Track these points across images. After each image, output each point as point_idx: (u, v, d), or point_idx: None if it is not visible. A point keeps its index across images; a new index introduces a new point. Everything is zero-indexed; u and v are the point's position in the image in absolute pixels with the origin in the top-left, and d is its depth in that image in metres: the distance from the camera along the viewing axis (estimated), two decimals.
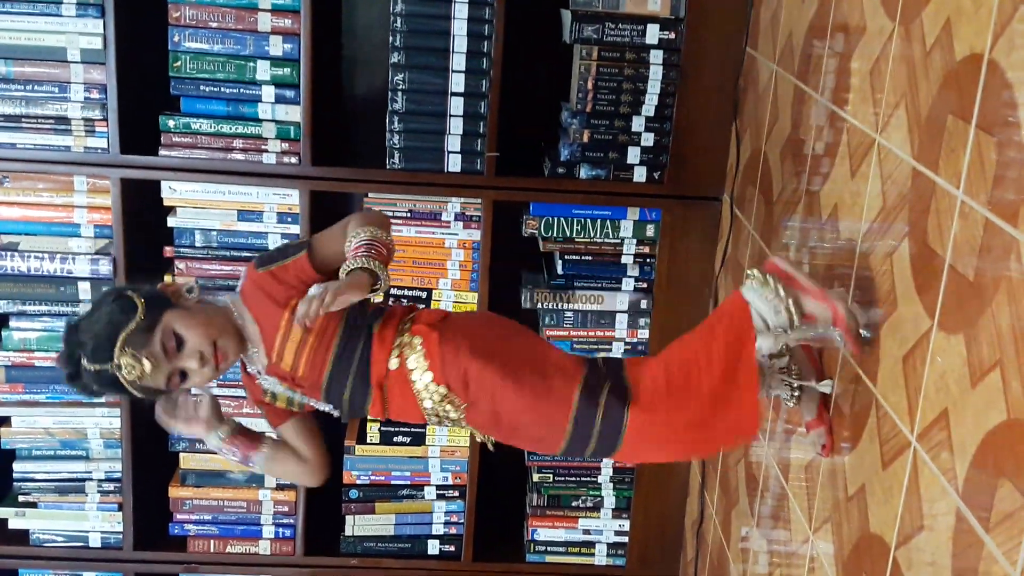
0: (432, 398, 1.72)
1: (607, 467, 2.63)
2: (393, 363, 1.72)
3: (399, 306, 1.81)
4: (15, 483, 2.62)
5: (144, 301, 1.67)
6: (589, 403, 1.67)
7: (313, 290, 1.65)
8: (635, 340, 2.52)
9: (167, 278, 2.49)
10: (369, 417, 1.82)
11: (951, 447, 1.28)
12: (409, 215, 2.48)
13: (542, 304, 2.51)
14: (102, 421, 2.57)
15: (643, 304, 2.51)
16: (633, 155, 2.41)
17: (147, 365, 1.64)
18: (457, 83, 2.36)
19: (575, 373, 1.70)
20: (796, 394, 1.77)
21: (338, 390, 1.74)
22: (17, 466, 2.61)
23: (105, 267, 2.46)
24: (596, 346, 2.53)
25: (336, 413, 1.80)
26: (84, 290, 2.49)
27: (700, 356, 1.66)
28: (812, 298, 1.62)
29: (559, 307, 2.51)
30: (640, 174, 2.42)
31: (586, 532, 2.69)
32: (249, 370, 1.80)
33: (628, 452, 1.70)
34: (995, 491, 1.17)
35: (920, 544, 1.35)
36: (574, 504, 2.67)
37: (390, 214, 2.47)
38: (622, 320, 2.52)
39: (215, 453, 1.81)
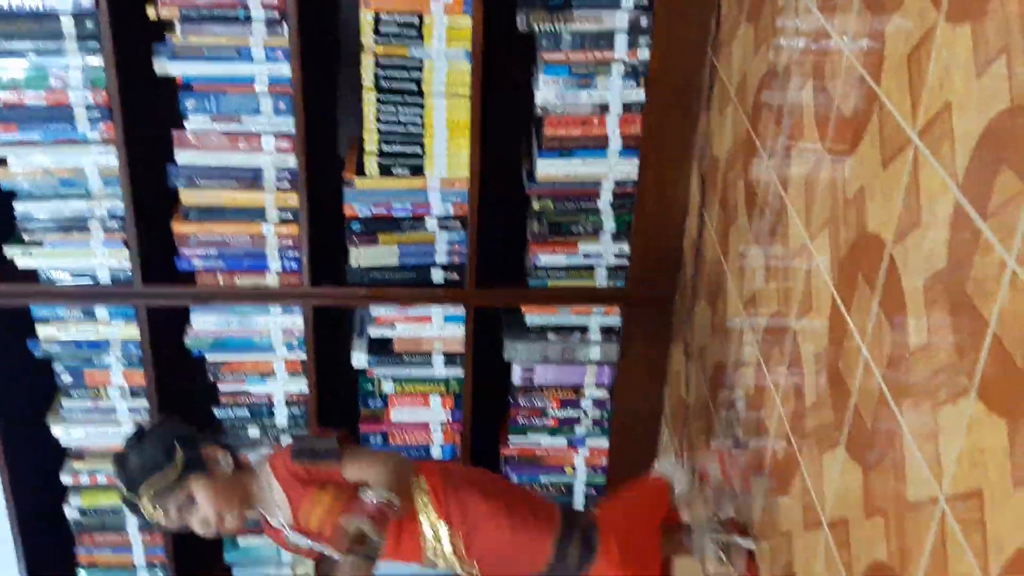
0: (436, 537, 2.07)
1: (607, 192, 2.64)
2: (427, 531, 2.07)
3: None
4: (17, 222, 2.64)
5: (184, 460, 1.98)
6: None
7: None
8: (635, 61, 2.47)
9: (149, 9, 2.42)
10: None
11: (952, 140, 1.27)
12: None
13: (539, 26, 2.44)
14: (99, 159, 2.56)
15: (643, 22, 2.44)
16: None
17: (159, 515, 1.99)
18: None
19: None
20: (723, 554, 2.07)
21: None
22: (18, 206, 2.62)
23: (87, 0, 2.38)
24: (595, 69, 2.47)
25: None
26: (67, 24, 2.42)
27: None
28: None
29: (556, 29, 2.44)
30: None
31: (587, 256, 2.72)
32: (272, 524, 2.09)
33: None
34: (994, 179, 1.17)
35: (917, 238, 1.37)
36: (574, 230, 2.70)
37: None
38: (621, 41, 2.45)
39: None
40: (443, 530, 2.06)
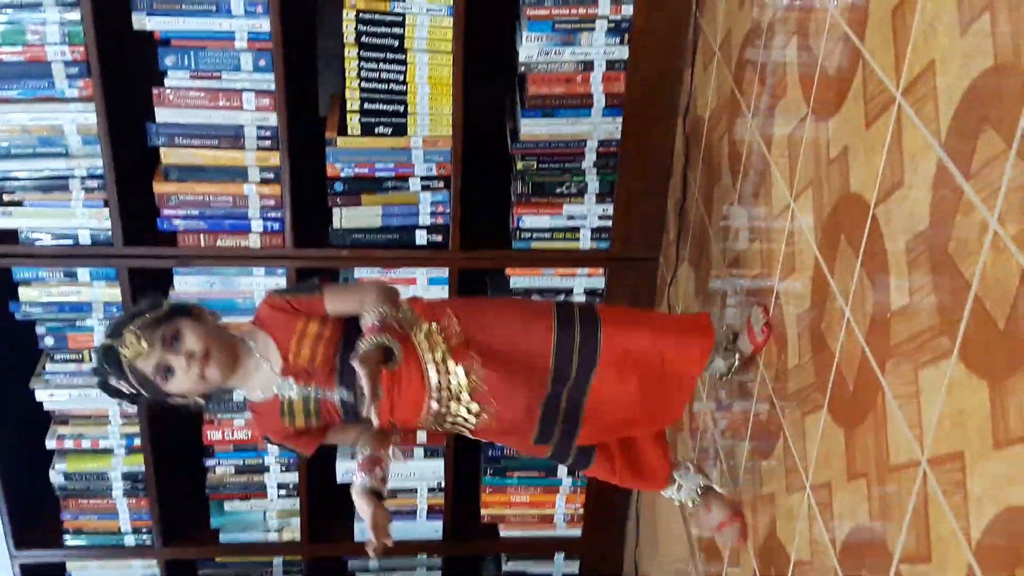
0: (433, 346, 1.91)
1: (591, 152, 2.62)
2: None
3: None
4: None
5: (171, 305, 1.92)
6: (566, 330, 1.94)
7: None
8: (619, 17, 2.43)
9: None
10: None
11: (936, 99, 1.26)
12: None
13: None
14: (78, 117, 2.52)
15: None
16: None
17: (144, 346, 1.83)
18: None
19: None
20: (699, 498, 2.06)
21: (351, 368, 1.81)
22: None
23: None
24: (579, 25, 2.44)
25: (349, 401, 1.92)
26: None
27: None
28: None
29: None
30: None
31: (571, 218, 2.70)
32: (258, 398, 1.95)
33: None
34: (977, 138, 1.16)
35: (900, 198, 1.35)
36: (558, 191, 2.67)
37: None
38: None
39: None
40: (438, 336, 1.92)
